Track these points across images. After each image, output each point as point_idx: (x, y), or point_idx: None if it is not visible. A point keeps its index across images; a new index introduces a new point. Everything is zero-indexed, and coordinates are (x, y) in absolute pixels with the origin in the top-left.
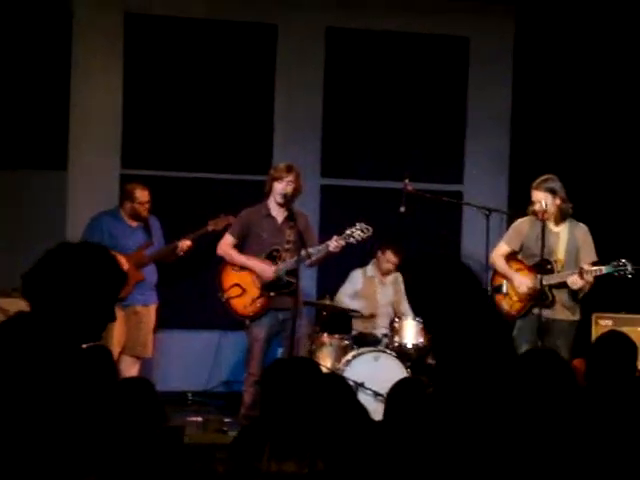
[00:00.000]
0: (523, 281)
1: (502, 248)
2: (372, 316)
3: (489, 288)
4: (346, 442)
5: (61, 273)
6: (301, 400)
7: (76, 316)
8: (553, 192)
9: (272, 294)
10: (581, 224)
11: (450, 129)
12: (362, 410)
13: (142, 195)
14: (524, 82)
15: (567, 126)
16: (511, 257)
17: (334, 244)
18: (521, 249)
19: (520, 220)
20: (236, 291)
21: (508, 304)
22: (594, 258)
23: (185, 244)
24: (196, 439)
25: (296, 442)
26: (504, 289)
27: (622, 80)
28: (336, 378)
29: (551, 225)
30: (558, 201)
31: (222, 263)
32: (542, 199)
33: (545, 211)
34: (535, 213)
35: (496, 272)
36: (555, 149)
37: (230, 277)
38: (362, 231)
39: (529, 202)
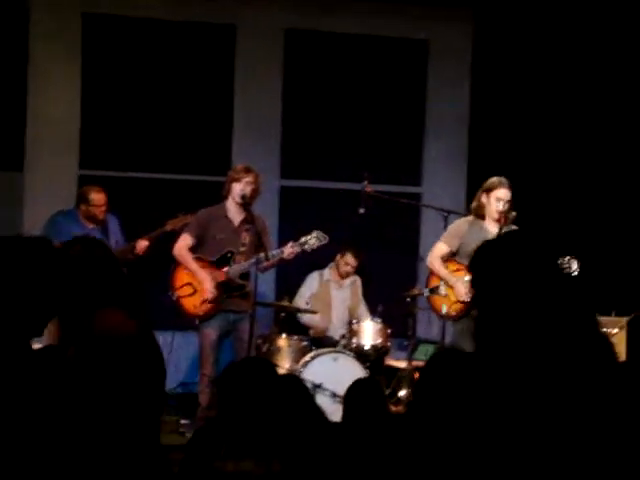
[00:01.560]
0: (462, 287)
1: (441, 249)
2: (327, 318)
3: (425, 289)
4: (303, 443)
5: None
6: (257, 401)
7: (17, 310)
8: (510, 192)
9: (223, 296)
10: (513, 226)
11: (409, 131)
12: (319, 411)
13: (97, 198)
14: (482, 84)
15: (525, 128)
16: (448, 258)
17: (288, 251)
18: (458, 250)
19: (458, 221)
20: (187, 290)
21: (447, 305)
22: None
23: (142, 244)
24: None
25: (253, 442)
26: (442, 290)
27: (579, 80)
28: (293, 379)
29: (490, 226)
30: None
31: (176, 262)
32: (509, 198)
33: (502, 213)
34: (483, 211)
35: (432, 273)
36: (513, 151)
37: (182, 276)
38: (318, 239)
39: (474, 202)
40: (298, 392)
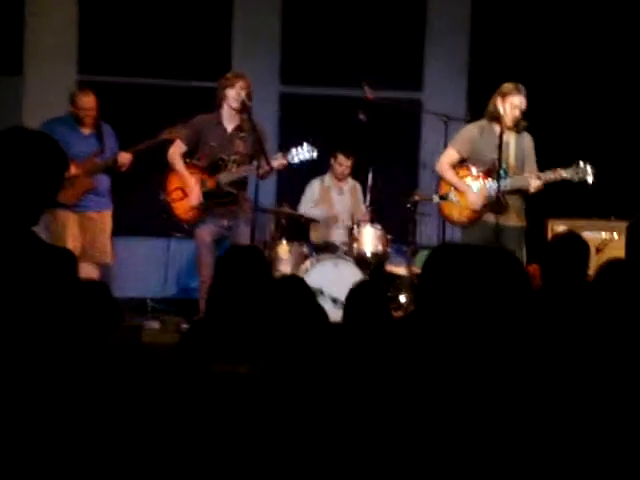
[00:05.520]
0: (475, 194)
1: (450, 155)
2: (329, 223)
3: (435, 196)
4: (302, 343)
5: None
6: (250, 298)
7: (14, 197)
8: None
9: (211, 202)
10: (526, 133)
11: (410, 36)
12: (321, 312)
13: (84, 101)
14: None
15: (527, 32)
16: (458, 164)
17: (278, 162)
18: (468, 155)
19: (468, 126)
20: (178, 194)
21: (457, 211)
22: (535, 167)
23: (125, 157)
24: (153, 338)
25: (248, 345)
26: (452, 197)
27: None
28: (295, 280)
29: (503, 132)
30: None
31: (169, 166)
32: (525, 107)
33: (516, 119)
34: (503, 118)
35: (442, 179)
36: (515, 57)
37: (173, 180)
38: (307, 152)
39: (490, 106)
40: (300, 292)
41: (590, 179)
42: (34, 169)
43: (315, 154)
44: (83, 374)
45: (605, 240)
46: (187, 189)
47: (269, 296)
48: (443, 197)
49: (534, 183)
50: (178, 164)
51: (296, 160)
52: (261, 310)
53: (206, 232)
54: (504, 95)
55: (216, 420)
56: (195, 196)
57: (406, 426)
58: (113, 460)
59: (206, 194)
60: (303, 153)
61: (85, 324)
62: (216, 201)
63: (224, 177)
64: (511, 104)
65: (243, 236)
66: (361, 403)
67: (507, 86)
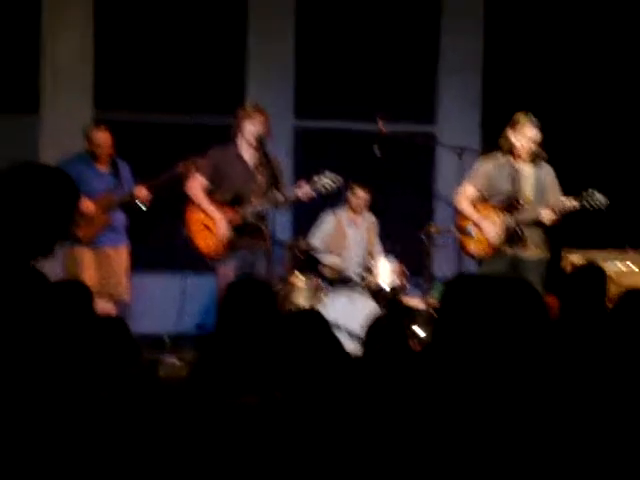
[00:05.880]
0: (493, 230)
1: (468, 190)
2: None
3: (453, 229)
4: (318, 372)
5: (11, 188)
6: (258, 331)
7: (26, 230)
8: (539, 131)
9: (236, 235)
10: (546, 164)
11: (423, 69)
12: (338, 344)
13: (99, 137)
14: (497, 20)
15: (540, 65)
16: (477, 199)
17: (303, 192)
18: (485, 188)
19: (484, 160)
20: (200, 229)
21: (476, 246)
22: (560, 197)
23: (141, 191)
24: (170, 373)
25: (255, 376)
26: (471, 231)
27: (596, 15)
28: (313, 313)
29: (517, 163)
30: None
31: (189, 201)
32: (538, 139)
33: (529, 150)
34: (511, 148)
35: (460, 213)
36: (528, 89)
37: (196, 215)
38: (332, 181)
39: (502, 138)
40: (317, 325)
41: (602, 203)
42: (45, 202)
43: (340, 182)
44: (99, 407)
45: (620, 270)
46: (213, 224)
47: (275, 328)
48: (462, 231)
49: (545, 214)
50: (202, 199)
51: (321, 188)
52: (268, 342)
53: (230, 269)
54: (515, 126)
55: (224, 450)
56: (224, 230)
57: (424, 457)
58: None
59: (232, 228)
60: (327, 182)
61: (101, 358)
62: (243, 235)
63: (249, 210)
64: (524, 136)
65: (263, 270)
66: (380, 434)
67: (518, 117)
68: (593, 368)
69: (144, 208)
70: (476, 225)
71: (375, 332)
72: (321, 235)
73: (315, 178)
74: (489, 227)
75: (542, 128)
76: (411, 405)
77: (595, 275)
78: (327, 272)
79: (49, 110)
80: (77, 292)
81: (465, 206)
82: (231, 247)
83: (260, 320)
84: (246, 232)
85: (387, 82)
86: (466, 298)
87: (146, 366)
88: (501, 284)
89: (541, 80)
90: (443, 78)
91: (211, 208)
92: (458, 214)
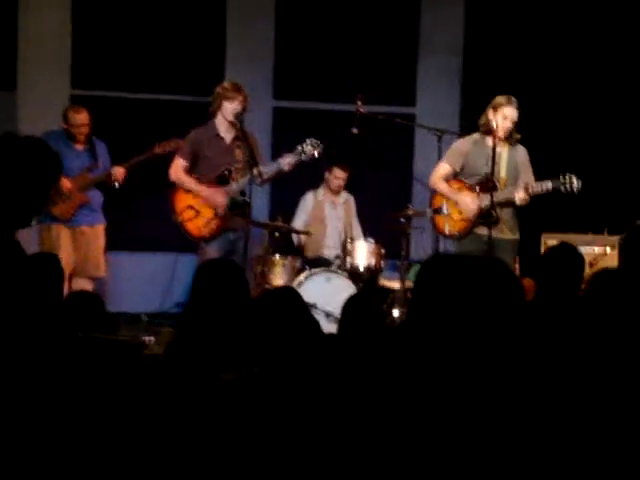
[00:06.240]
0: (469, 202)
1: (443, 168)
2: (322, 238)
3: (428, 210)
4: (294, 349)
5: None
6: (232, 308)
7: (9, 199)
8: (518, 112)
9: (228, 213)
10: (520, 146)
11: (403, 51)
12: (314, 323)
13: (76, 118)
14: (477, 1)
15: (520, 46)
16: (451, 177)
17: (286, 161)
18: (462, 169)
19: (461, 140)
20: (190, 213)
21: (450, 224)
22: (532, 179)
23: (119, 171)
24: (148, 350)
25: (230, 354)
26: (444, 210)
27: None
28: (289, 291)
29: (495, 145)
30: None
31: (174, 186)
32: (516, 119)
33: (507, 130)
34: (495, 131)
35: (435, 193)
36: (508, 71)
37: (183, 199)
38: (312, 146)
39: (482, 119)
40: (293, 303)
41: (576, 188)
42: (28, 172)
43: (321, 148)
44: (73, 379)
45: (598, 254)
46: (200, 205)
47: (247, 306)
48: (436, 211)
49: (519, 195)
50: (187, 180)
51: (304, 157)
52: (240, 320)
53: (214, 249)
54: (496, 107)
55: (204, 426)
56: (220, 204)
57: (399, 433)
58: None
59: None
60: (310, 147)
61: (75, 332)
62: (232, 211)
63: (235, 187)
64: (502, 115)
65: (242, 250)
66: (355, 410)
67: (499, 98)
68: (566, 348)
69: (117, 186)
70: (450, 200)
71: (351, 309)
72: (302, 216)
73: (298, 146)
74: (464, 201)
75: (522, 110)
76: (386, 382)
77: (570, 255)
78: (306, 251)
79: (27, 87)
80: (51, 265)
81: (439, 183)
82: (221, 226)
83: (230, 301)
84: (237, 209)
85: (367, 64)
86: (442, 276)
87: (132, 349)
88: (476, 263)
89: (522, 62)
90: (423, 60)
91: (198, 188)
92: (433, 194)
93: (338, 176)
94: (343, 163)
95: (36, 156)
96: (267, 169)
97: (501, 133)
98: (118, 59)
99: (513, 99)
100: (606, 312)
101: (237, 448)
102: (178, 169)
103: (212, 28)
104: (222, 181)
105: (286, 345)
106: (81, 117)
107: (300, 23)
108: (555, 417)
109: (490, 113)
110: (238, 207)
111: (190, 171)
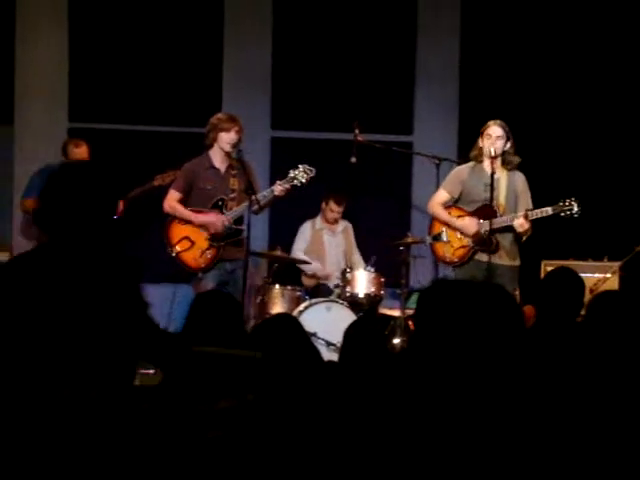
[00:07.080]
0: (468, 225)
1: (441, 196)
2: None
3: (427, 237)
4: (293, 376)
5: (70, 192)
6: (229, 339)
7: (93, 231)
8: (507, 135)
9: (222, 244)
10: (518, 172)
11: (400, 80)
12: (314, 350)
13: (75, 152)
14: (474, 31)
15: (517, 74)
16: (450, 205)
17: (279, 188)
18: (460, 195)
19: (459, 167)
20: (185, 244)
21: (449, 252)
22: (531, 206)
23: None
24: (146, 382)
25: (225, 383)
26: (444, 237)
27: (573, 25)
28: (288, 318)
29: (488, 168)
30: (509, 145)
31: (168, 218)
32: (499, 135)
33: (495, 150)
34: (481, 155)
35: (434, 220)
36: (505, 98)
37: (178, 231)
38: (305, 172)
39: (473, 150)
40: (292, 331)
41: (576, 212)
42: (101, 193)
43: (314, 173)
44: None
45: (599, 281)
46: (195, 236)
47: (241, 339)
48: (436, 238)
49: (518, 221)
50: (181, 210)
51: (297, 182)
52: (236, 349)
53: (209, 281)
54: (482, 133)
55: (199, 454)
56: (216, 223)
57: (400, 459)
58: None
59: (215, 236)
60: (303, 173)
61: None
62: (225, 241)
63: (230, 215)
64: (487, 136)
65: (241, 280)
66: (357, 437)
67: (486, 124)
68: (566, 370)
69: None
70: (450, 227)
71: (353, 334)
72: (302, 245)
73: (290, 172)
74: (463, 223)
75: (520, 136)
76: (387, 408)
77: (570, 279)
78: (307, 281)
79: (24, 121)
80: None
81: (438, 211)
82: (217, 256)
83: (225, 331)
84: (230, 238)
85: (364, 93)
86: (443, 302)
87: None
88: (477, 289)
89: (519, 89)
90: (420, 88)
91: (193, 214)
92: (432, 222)
93: (333, 209)
94: (339, 196)
95: (106, 175)
96: (261, 196)
97: (488, 154)
98: (115, 91)
99: (497, 120)
100: (606, 335)
101: (234, 476)
102: (171, 200)
103: (209, 59)
104: (216, 209)
105: (285, 372)
106: (81, 151)
107: (297, 53)
108: (558, 442)
109: (479, 141)
110: (229, 236)
111: (185, 203)
